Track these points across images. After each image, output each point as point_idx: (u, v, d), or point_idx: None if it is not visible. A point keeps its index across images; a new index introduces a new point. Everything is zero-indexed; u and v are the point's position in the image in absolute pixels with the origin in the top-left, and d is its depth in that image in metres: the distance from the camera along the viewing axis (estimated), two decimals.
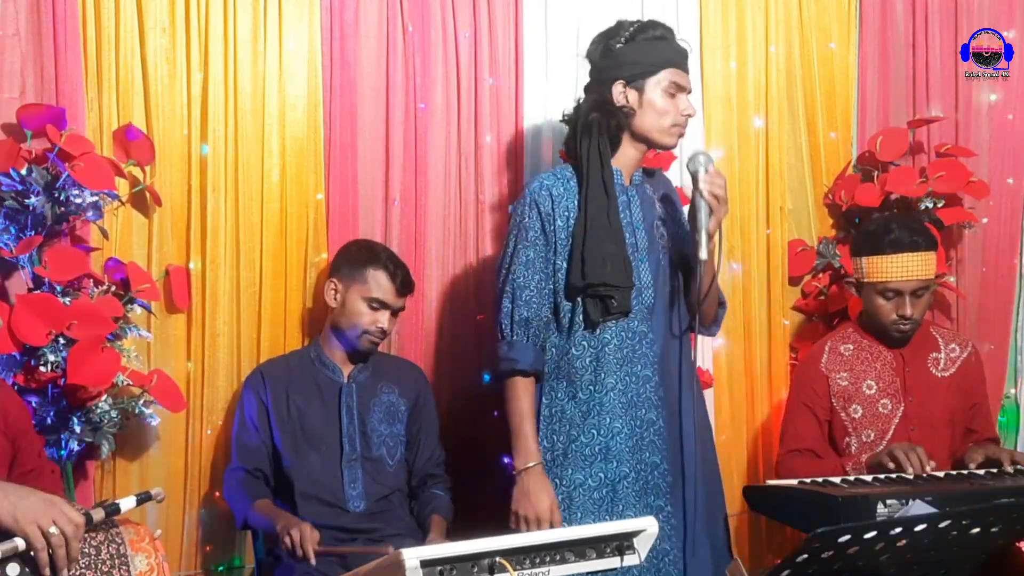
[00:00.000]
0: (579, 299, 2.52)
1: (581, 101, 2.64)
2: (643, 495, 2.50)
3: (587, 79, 2.66)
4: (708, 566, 2.55)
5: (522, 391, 2.52)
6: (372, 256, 2.86)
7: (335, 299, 2.86)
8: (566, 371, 2.54)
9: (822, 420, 2.97)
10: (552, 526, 2.43)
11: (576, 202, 2.55)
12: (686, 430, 2.57)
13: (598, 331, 2.52)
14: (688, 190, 2.66)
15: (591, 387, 2.51)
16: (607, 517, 2.46)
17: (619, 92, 2.55)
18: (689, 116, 2.57)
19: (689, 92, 2.60)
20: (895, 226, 2.91)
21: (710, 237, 2.47)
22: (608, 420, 2.50)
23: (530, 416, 2.51)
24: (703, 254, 2.46)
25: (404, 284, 2.85)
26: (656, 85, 2.53)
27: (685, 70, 2.58)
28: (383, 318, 2.82)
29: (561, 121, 2.72)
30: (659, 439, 2.53)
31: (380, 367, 2.94)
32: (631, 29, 2.57)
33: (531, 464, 2.48)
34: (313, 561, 2.51)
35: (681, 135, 2.60)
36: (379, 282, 2.82)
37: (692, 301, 2.62)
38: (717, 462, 2.74)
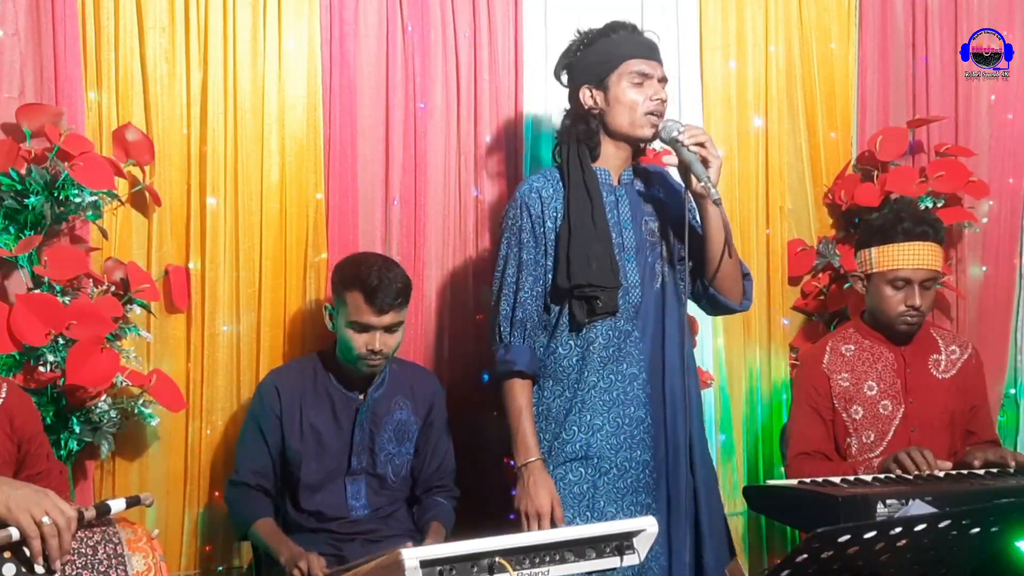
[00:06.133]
0: (565, 300, 2.54)
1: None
2: (627, 492, 2.51)
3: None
4: (687, 564, 2.54)
5: (519, 391, 2.56)
6: (352, 276, 2.67)
7: (330, 325, 2.77)
8: (552, 370, 2.57)
9: (827, 420, 2.96)
10: (553, 520, 2.44)
11: (564, 203, 2.56)
12: (681, 428, 2.57)
13: (584, 330, 2.53)
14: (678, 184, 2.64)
15: (575, 385, 2.54)
16: (588, 513, 2.49)
17: (587, 96, 2.58)
18: (661, 101, 2.54)
19: (661, 80, 2.57)
20: (905, 216, 2.95)
21: (715, 185, 2.43)
22: (589, 417, 2.52)
23: (528, 413, 2.54)
24: (715, 194, 2.42)
25: (384, 301, 2.62)
26: (619, 79, 2.54)
27: (653, 59, 2.57)
28: (374, 340, 2.64)
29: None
30: (648, 436, 2.54)
31: (396, 380, 2.85)
32: (588, 35, 2.61)
33: (531, 459, 2.50)
34: None
35: (655, 125, 2.55)
36: (356, 303, 2.63)
37: (709, 273, 2.58)
38: (711, 462, 2.74)
